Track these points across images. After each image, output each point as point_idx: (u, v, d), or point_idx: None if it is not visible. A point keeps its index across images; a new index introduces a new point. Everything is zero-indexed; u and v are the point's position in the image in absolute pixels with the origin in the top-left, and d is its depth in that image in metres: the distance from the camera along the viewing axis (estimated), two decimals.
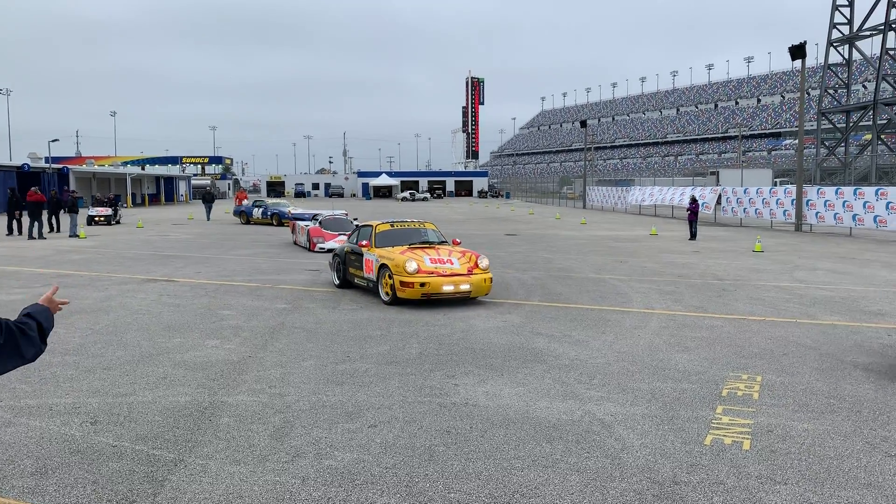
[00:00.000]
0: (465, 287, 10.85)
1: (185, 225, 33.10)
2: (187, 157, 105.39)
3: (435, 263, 11.10)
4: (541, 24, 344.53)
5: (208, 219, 36.50)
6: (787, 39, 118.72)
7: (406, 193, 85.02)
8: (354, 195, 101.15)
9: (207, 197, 38.79)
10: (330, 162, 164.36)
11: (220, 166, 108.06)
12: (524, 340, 8.62)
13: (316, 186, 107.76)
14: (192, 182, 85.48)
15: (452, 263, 11.19)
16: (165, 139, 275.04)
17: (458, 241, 13.24)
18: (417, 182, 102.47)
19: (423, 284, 10.64)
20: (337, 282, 13.04)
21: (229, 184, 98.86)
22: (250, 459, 4.90)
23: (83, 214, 32.42)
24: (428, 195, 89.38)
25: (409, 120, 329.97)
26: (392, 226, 12.73)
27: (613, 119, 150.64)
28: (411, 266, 10.73)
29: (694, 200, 25.12)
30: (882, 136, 46.26)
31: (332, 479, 4.58)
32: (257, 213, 33.24)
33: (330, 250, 18.42)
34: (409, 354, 7.91)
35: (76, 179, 52.92)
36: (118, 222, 32.74)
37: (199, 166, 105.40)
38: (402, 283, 10.70)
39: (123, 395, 6.39)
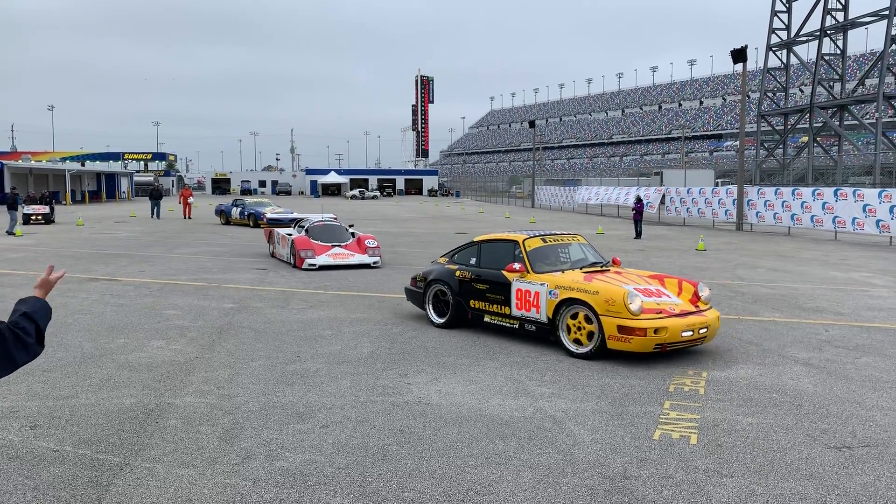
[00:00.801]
0: (703, 330, 7.61)
1: (127, 223, 32.24)
2: (129, 153, 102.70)
3: (651, 297, 7.84)
4: (485, 25, 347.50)
5: (156, 217, 35.15)
6: (729, 43, 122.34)
7: (356, 191, 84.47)
8: (302, 193, 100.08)
9: (155, 194, 36.72)
10: (277, 159, 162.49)
11: (164, 163, 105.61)
12: (476, 338, 8.65)
13: (263, 184, 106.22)
14: (135, 179, 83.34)
15: (669, 296, 8.05)
16: (106, 135, 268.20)
17: (618, 259, 9.50)
18: (367, 180, 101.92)
19: (657, 330, 7.21)
20: (440, 320, 9.36)
21: (173, 181, 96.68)
22: (199, 462, 4.79)
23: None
24: (378, 193, 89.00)
25: (358, 118, 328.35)
26: (544, 241, 9.02)
27: (561, 119, 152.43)
28: (636, 304, 7.36)
29: (639, 200, 25.58)
30: (818, 139, 47.88)
31: (283, 480, 4.52)
32: (235, 212, 30.87)
33: (323, 267, 15.15)
34: (361, 354, 7.86)
35: (11, 175, 50.96)
36: (52, 221, 31.35)
37: (142, 163, 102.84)
38: (623, 329, 7.26)
39: (65, 397, 6.18)
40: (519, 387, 6.60)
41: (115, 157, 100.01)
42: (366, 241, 16.12)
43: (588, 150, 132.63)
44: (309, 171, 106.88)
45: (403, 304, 10.95)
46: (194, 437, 5.24)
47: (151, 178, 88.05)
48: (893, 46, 40.16)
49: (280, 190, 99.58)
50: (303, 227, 16.86)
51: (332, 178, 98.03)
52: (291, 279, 13.86)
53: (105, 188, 68.71)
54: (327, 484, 4.46)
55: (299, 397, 6.24)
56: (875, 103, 41.28)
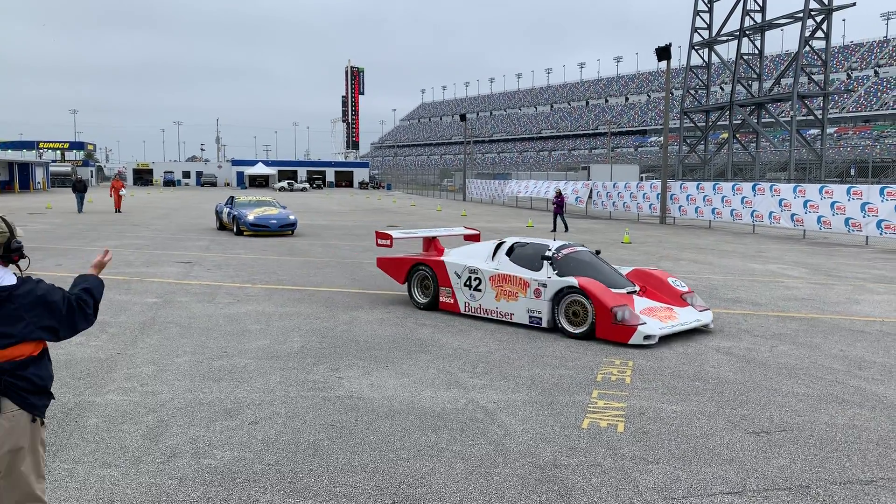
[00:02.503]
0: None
1: (43, 215, 30.82)
2: (45, 142, 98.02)
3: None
4: (408, 18, 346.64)
5: (80, 210, 33.09)
6: (653, 41, 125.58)
7: (284, 183, 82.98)
8: (228, 184, 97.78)
9: (79, 186, 33.61)
10: (202, 149, 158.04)
11: (82, 152, 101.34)
12: (408, 331, 8.64)
13: (187, 175, 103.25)
14: (51, 169, 79.70)
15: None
16: (19, 123, 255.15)
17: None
18: (296, 172, 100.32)
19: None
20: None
21: (92, 171, 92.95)
22: (122, 462, 4.63)
23: None
24: (307, 185, 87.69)
25: (286, 108, 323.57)
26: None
27: (491, 113, 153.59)
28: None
29: (559, 194, 25.87)
30: (737, 135, 49.71)
31: (211, 478, 4.40)
32: (225, 214, 23.08)
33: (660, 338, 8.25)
34: (291, 348, 7.74)
35: None
36: None
37: (59, 152, 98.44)
38: None
39: None
40: (451, 379, 6.63)
41: (30, 145, 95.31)
42: (673, 284, 9.32)
43: (518, 144, 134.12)
44: (235, 162, 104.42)
45: (335, 297, 10.84)
46: (117, 437, 5.05)
47: (69, 169, 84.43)
48: (807, 48, 42.02)
49: (205, 181, 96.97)
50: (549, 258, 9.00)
51: (260, 169, 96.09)
52: (217, 273, 13.53)
53: (18, 178, 65.51)
54: (257, 481, 4.38)
55: (227, 393, 6.10)
56: (790, 102, 43.10)
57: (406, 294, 10.75)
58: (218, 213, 23.81)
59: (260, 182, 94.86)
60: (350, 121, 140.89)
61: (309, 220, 28.92)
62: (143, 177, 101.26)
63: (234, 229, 21.63)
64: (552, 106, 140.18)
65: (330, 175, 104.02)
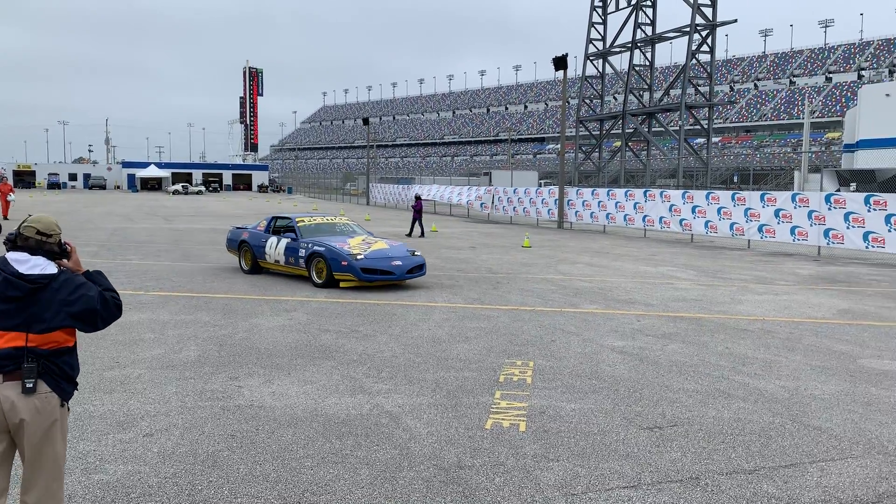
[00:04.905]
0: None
1: None
2: None
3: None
4: (297, 18, 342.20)
5: None
6: (552, 50, 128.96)
7: (178, 186, 79.83)
8: (119, 187, 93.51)
9: None
10: (90, 150, 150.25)
11: None
12: (311, 338, 8.52)
13: (73, 177, 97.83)
14: None
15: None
16: None
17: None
18: (191, 174, 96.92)
19: None
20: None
21: None
22: None
23: None
24: (203, 188, 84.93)
25: (180, 109, 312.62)
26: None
27: (394, 118, 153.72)
28: None
29: (418, 198, 26.09)
30: (630, 144, 51.83)
31: (103, 494, 4.20)
32: (276, 249, 13.53)
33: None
34: (188, 357, 7.48)
35: None
36: None
37: None
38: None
39: None
40: (355, 384, 6.58)
41: None
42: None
43: (421, 149, 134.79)
44: (126, 164, 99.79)
45: (234, 303, 10.56)
46: None
47: None
48: (694, 61, 44.29)
49: (94, 184, 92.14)
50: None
51: (152, 171, 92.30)
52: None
53: None
54: (153, 495, 4.21)
55: (119, 405, 5.83)
56: (679, 112, 45.30)
57: (310, 299, 10.57)
58: (250, 247, 14.10)
59: (152, 185, 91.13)
60: (249, 122, 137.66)
61: (207, 224, 28.02)
62: (24, 179, 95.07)
63: (315, 276, 12.58)
64: (454, 112, 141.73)
65: (227, 178, 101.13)
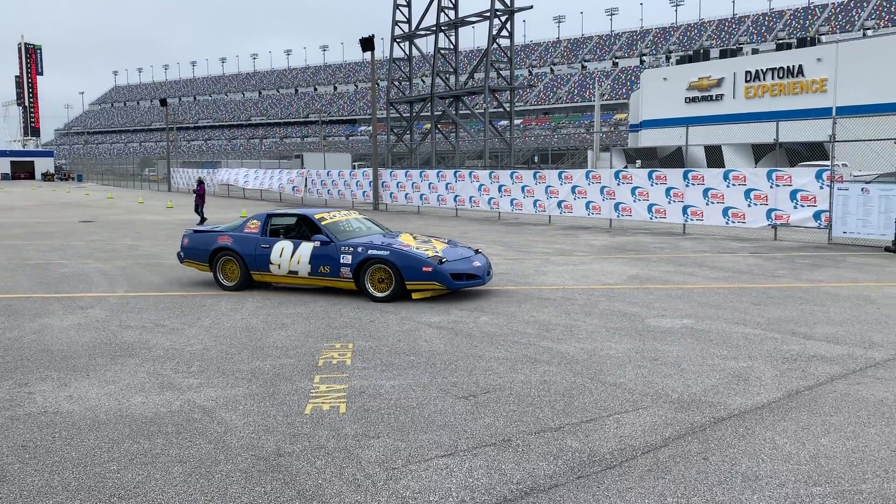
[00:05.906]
0: None
1: None
2: None
3: None
4: None
5: None
6: (359, 31, 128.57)
7: None
8: None
9: None
10: None
11: None
12: (111, 335, 7.94)
13: None
14: None
15: None
16: None
17: None
18: None
19: None
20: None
21: None
22: None
23: None
24: None
25: None
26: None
27: (195, 99, 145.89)
28: None
29: (200, 182, 25.43)
30: (439, 126, 53.01)
31: None
32: (290, 257, 10.52)
33: None
34: None
35: None
36: None
37: None
38: None
39: None
40: (164, 381, 6.24)
41: None
42: None
43: (226, 131, 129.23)
44: None
45: (18, 304, 9.57)
46: None
47: None
48: (495, 45, 46.09)
49: None
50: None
51: None
52: None
53: None
54: None
55: None
56: (483, 95, 47.01)
57: (109, 294, 9.82)
58: (237, 255, 10.82)
59: None
60: (28, 104, 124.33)
61: None
62: None
63: (371, 289, 9.96)
64: (260, 93, 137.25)
65: (4, 166, 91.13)
